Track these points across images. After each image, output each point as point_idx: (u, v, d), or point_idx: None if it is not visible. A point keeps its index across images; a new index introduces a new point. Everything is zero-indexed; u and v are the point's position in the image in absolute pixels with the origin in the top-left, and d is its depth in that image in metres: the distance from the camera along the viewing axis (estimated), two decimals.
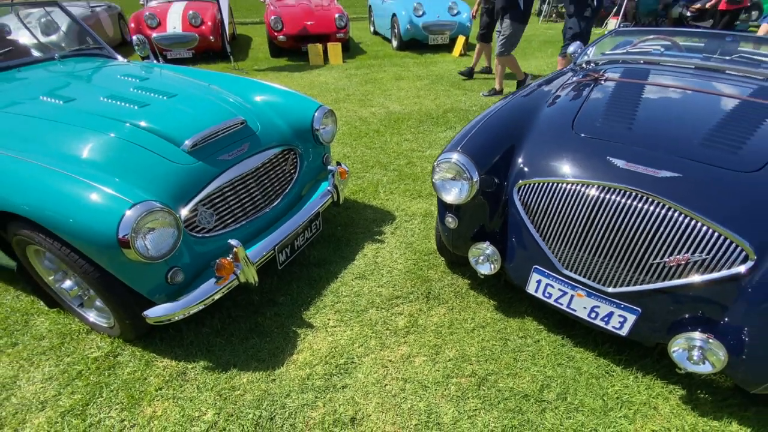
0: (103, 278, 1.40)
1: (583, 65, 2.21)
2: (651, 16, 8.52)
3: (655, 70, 1.98)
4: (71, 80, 2.15)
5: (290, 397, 1.41)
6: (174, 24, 6.09)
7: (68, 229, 1.29)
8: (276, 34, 6.16)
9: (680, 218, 1.19)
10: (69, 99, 1.83)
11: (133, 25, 6.15)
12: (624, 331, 1.35)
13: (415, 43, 6.69)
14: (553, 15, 10.62)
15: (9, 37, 2.71)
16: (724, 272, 1.15)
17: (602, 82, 1.86)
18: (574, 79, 1.97)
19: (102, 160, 1.46)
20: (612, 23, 8.13)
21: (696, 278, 1.19)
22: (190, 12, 6.15)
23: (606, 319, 1.37)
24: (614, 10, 8.41)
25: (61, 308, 1.77)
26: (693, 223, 1.17)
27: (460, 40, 6.46)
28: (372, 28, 8.63)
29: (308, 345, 1.61)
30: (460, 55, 6.43)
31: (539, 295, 1.50)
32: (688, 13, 7.58)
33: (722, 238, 1.15)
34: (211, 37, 6.05)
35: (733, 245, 1.14)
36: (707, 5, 6.17)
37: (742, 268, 1.13)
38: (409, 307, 1.77)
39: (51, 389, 1.46)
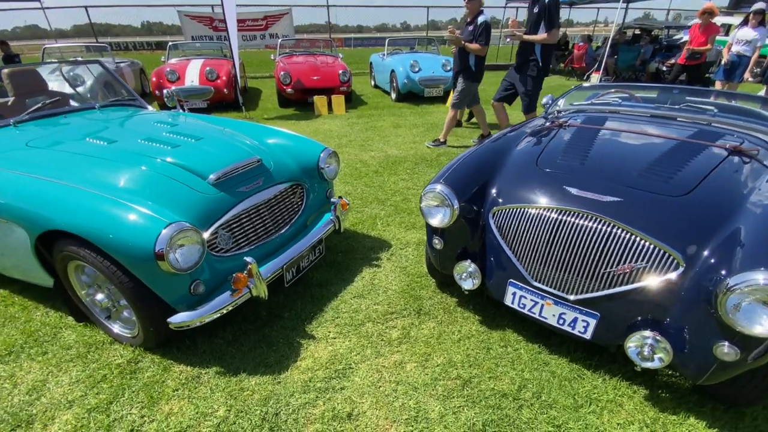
0: (136, 288, 1.62)
1: (552, 114, 2.58)
2: (630, 71, 9.34)
3: (612, 118, 2.33)
4: (111, 125, 2.50)
5: (294, 396, 1.57)
6: (192, 78, 6.74)
7: (113, 244, 1.54)
8: (284, 87, 6.79)
9: (622, 234, 1.44)
10: (111, 140, 2.16)
11: (154, 79, 6.80)
12: (588, 335, 1.54)
13: (412, 95, 7.34)
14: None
15: (56, 89, 3.14)
16: (661, 278, 1.38)
17: (565, 127, 2.20)
18: (542, 125, 2.32)
19: (142, 189, 1.74)
20: (594, 77, 8.90)
21: (639, 284, 1.41)
22: (207, 68, 6.83)
23: (572, 324, 1.57)
24: (596, 65, 9.25)
25: (88, 322, 1.97)
26: (633, 237, 1.43)
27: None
28: (373, 82, 9.43)
29: (310, 353, 1.78)
30: None
31: (515, 306, 1.71)
32: (664, 68, 8.33)
33: (657, 249, 1.39)
34: (225, 90, 6.66)
35: (666, 255, 1.38)
36: (669, 63, 6.86)
37: (674, 275, 1.36)
38: (402, 321, 1.96)
39: (78, 390, 1.63)
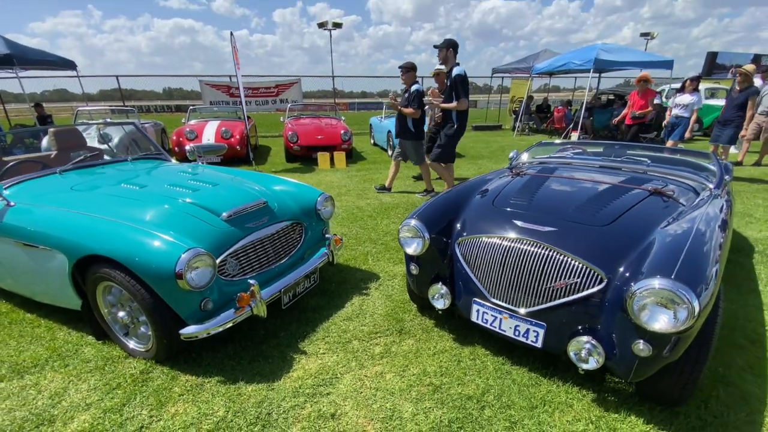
0: (155, 303, 1.91)
1: (515, 166, 3.02)
2: (605, 130, 10.15)
3: (562, 168, 2.76)
4: (142, 174, 2.95)
5: (285, 400, 1.79)
6: (208, 137, 7.47)
7: (141, 266, 1.86)
8: (291, 145, 7.48)
9: (557, 256, 1.76)
10: (142, 186, 2.58)
11: (175, 137, 7.54)
12: (539, 344, 1.80)
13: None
14: (526, 130, 12.54)
15: (95, 145, 3.66)
16: (589, 291, 1.68)
17: (521, 175, 2.62)
18: (503, 174, 2.75)
19: (166, 222, 2.10)
20: (573, 136, 9.70)
21: (574, 297, 1.71)
22: (223, 128, 7.59)
23: (525, 335, 1.83)
24: (572, 124, 10.11)
25: (107, 339, 2.22)
26: (565, 259, 1.75)
27: None
28: (372, 141, 10.26)
29: (301, 366, 2.01)
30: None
31: (479, 321, 1.97)
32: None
33: (585, 267, 1.70)
34: (238, 147, 7.35)
35: (592, 272, 1.69)
36: (615, 121, 7.66)
37: (599, 288, 1.66)
38: (385, 339, 2.20)
39: (95, 396, 1.85)
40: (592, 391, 1.80)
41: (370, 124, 10.26)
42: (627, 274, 1.62)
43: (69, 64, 10.79)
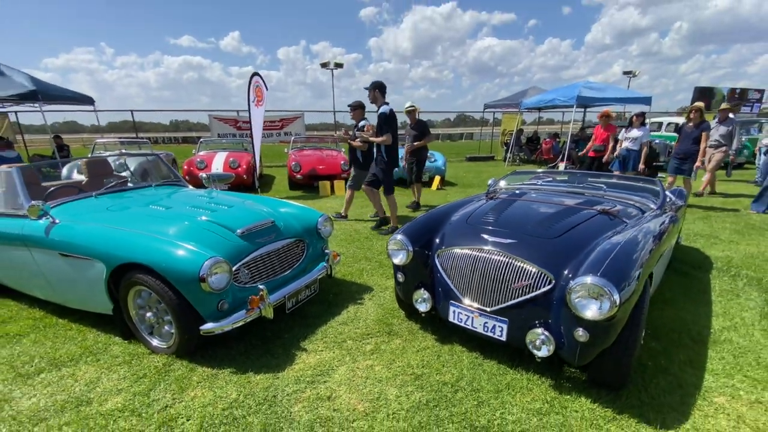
0: (180, 303, 2.26)
1: (492, 191, 3.44)
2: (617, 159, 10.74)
3: (531, 192, 3.18)
4: (165, 197, 3.36)
5: (288, 386, 2.09)
6: (217, 167, 7.98)
7: (171, 271, 2.22)
8: (295, 174, 7.99)
9: (516, 263, 2.13)
10: (168, 207, 2.99)
11: (186, 167, 8.06)
12: (504, 337, 2.13)
13: (401, 180, 8.49)
14: (517, 160, 13.16)
15: (123, 174, 4.10)
16: (541, 290, 2.03)
17: (494, 199, 3.03)
18: (479, 198, 3.16)
19: (190, 235, 2.48)
20: (561, 166, 10.25)
21: (529, 296, 2.06)
22: (231, 159, 8.12)
23: (493, 330, 2.16)
24: (561, 156, 10.70)
25: (132, 339, 2.54)
26: (522, 265, 2.11)
27: (437, 179, 8.27)
28: None
29: (302, 360, 2.33)
30: (437, 188, 8.13)
31: (455, 321, 2.31)
32: (619, 159, 9.66)
33: (538, 271, 2.07)
34: (244, 176, 7.84)
35: (543, 275, 2.05)
36: (581, 153, 8.25)
37: (548, 287, 2.02)
38: (375, 340, 2.52)
39: (124, 383, 2.16)
40: (551, 378, 2.11)
41: None
42: (569, 276, 1.98)
43: (87, 100, 11.55)
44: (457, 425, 1.81)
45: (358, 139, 5.13)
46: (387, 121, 4.71)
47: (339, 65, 14.85)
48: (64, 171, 6.21)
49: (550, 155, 11.64)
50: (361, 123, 5.28)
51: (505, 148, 13.75)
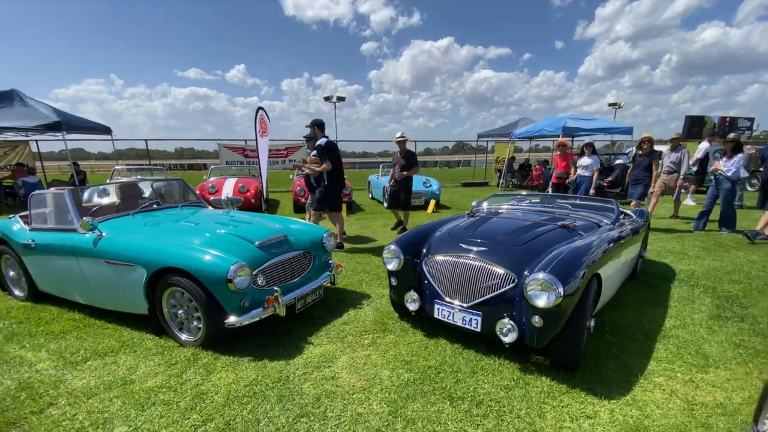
0: (210, 301, 2.70)
1: (475, 210, 3.94)
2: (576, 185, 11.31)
3: (505, 211, 3.67)
4: (192, 215, 3.86)
5: (298, 369, 2.50)
6: (227, 192, 8.54)
7: (203, 273, 2.68)
8: (299, 198, 8.53)
9: (486, 266, 2.59)
10: (196, 223, 3.49)
11: (198, 192, 8.60)
12: (479, 328, 2.55)
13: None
14: (510, 186, 13.76)
15: (147, 196, 4.61)
16: (506, 288, 2.48)
17: (474, 216, 3.52)
18: (463, 216, 3.66)
19: (219, 246, 2.95)
20: (550, 190, 10.81)
21: (497, 292, 2.50)
22: (240, 184, 8.70)
23: (470, 322, 2.58)
24: (549, 181, 11.29)
25: (163, 335, 2.96)
26: (491, 267, 2.57)
27: (432, 202, 8.80)
28: (370, 195, 11.39)
29: (309, 351, 2.74)
30: (432, 211, 8.64)
31: (440, 317, 2.73)
32: (605, 184, 10.23)
33: (504, 272, 2.52)
34: (252, 200, 8.39)
35: (508, 275, 2.50)
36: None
37: (512, 285, 2.47)
38: (372, 335, 2.94)
39: (160, 368, 2.56)
40: (519, 363, 2.52)
41: (369, 181, 11.47)
42: (528, 275, 2.43)
43: (106, 130, 12.32)
44: (438, 396, 2.22)
45: (307, 168, 5.66)
46: (325, 151, 5.36)
47: (341, 99, 15.81)
48: (86, 195, 6.77)
49: (541, 181, 12.25)
50: (312, 153, 5.80)
51: (498, 174, 14.40)
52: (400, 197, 6.59)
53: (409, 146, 6.82)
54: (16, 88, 11.26)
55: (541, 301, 2.22)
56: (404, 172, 6.43)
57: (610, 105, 17.86)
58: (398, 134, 6.57)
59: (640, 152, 6.58)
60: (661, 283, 4.09)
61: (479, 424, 2.00)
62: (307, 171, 5.67)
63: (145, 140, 13.70)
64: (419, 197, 8.99)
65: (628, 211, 4.22)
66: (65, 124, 10.53)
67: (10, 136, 12.28)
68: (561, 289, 2.17)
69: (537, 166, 13.10)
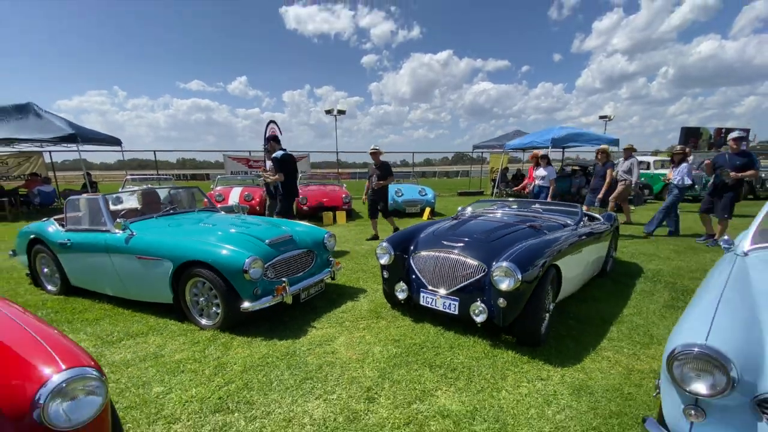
0: (228, 290, 3.16)
1: (460, 214, 4.42)
2: (568, 195, 11.82)
3: (485, 214, 4.16)
4: (208, 218, 4.34)
5: (303, 346, 2.95)
6: (234, 200, 9.04)
7: (223, 265, 3.15)
8: (302, 206, 9.02)
9: (463, 259, 3.06)
10: (213, 224, 3.97)
11: (206, 199, 9.10)
12: (456, 311, 3.00)
13: (397, 211, 9.53)
14: (504, 195, 14.27)
15: (170, 202, 5.10)
16: (478, 276, 2.94)
17: (458, 218, 4.00)
18: (448, 219, 4.14)
19: (235, 242, 3.42)
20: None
21: (471, 281, 2.96)
22: (246, 193, 9.21)
23: (449, 306, 3.04)
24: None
25: (185, 320, 3.41)
26: (466, 260, 3.04)
27: (427, 210, 9.29)
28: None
29: (312, 333, 3.19)
30: (428, 218, 9.12)
31: (425, 303, 3.19)
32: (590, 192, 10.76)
33: (477, 263, 2.99)
34: (257, 207, 8.88)
35: (480, 265, 2.96)
36: (516, 188, 9.37)
37: (483, 274, 2.94)
38: (367, 321, 3.39)
39: (184, 346, 3.01)
40: (490, 341, 2.97)
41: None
42: (495, 265, 2.90)
43: (116, 141, 12.89)
44: (420, 365, 2.66)
45: (267, 177, 6.20)
46: (280, 163, 5.92)
47: (342, 112, 16.44)
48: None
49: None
50: (267, 165, 6.31)
51: (492, 183, 14.92)
52: (378, 207, 6.83)
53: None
54: (32, 102, 11.85)
55: (504, 285, 2.68)
56: (381, 182, 6.69)
57: (601, 117, 18.55)
58: (372, 147, 6.86)
59: (599, 163, 7.17)
60: (628, 280, 4.55)
61: (452, 384, 2.45)
62: (268, 180, 6.23)
63: (154, 151, 14.28)
64: (415, 205, 9.49)
65: (597, 215, 4.70)
66: (80, 136, 11.10)
67: (25, 147, 12.84)
68: (520, 276, 2.64)
69: (528, 177, 13.65)
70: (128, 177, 10.86)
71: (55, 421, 1.31)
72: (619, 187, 7.59)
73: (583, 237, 3.58)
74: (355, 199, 10.77)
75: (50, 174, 14.00)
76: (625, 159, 7.67)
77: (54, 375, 1.36)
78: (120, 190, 9.42)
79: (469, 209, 4.63)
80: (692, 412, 1.54)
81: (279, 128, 8.26)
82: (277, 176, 5.87)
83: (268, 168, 6.32)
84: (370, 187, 7.04)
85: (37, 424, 1.29)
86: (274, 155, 6.00)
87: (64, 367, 1.39)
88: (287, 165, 5.98)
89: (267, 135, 7.88)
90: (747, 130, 27.67)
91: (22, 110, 11.54)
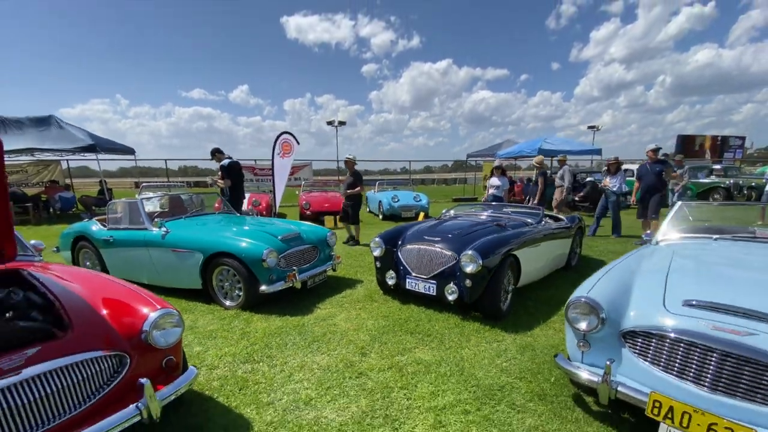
0: (249, 276, 3.87)
1: (445, 214, 5.15)
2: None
3: (464, 214, 4.89)
4: (228, 219, 5.07)
5: (310, 321, 3.66)
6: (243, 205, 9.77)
7: (245, 255, 3.87)
8: (305, 210, 9.77)
9: (439, 249, 3.78)
10: (235, 223, 4.70)
11: (217, 205, 9.86)
12: (434, 292, 3.71)
13: (393, 216, 10.26)
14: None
15: (192, 205, 5.85)
16: (451, 264, 3.66)
17: (440, 219, 4.73)
18: (433, 219, 4.87)
19: (254, 237, 4.14)
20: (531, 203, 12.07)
21: (444, 267, 3.68)
22: (254, 199, 9.96)
23: (428, 288, 3.74)
24: (529, 196, 12.57)
25: (212, 302, 4.13)
26: (442, 251, 3.76)
27: (422, 214, 10.02)
28: (368, 209, 12.62)
29: (317, 312, 3.90)
30: None
31: (410, 287, 3.90)
32: (576, 199, 11.49)
33: (450, 254, 3.70)
34: (264, 212, 9.62)
35: (452, 255, 3.68)
36: (579, 195, 10.11)
37: (454, 262, 3.65)
38: (362, 303, 4.10)
39: (213, 320, 3.72)
40: (461, 316, 3.68)
41: (366, 196, 12.73)
42: (463, 253, 3.62)
43: (130, 151, 13.69)
44: (403, 333, 3.37)
45: (218, 183, 6.99)
46: (226, 171, 6.74)
47: (342, 123, 17.28)
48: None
49: (522, 196, 13.51)
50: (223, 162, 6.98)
51: (485, 189, 15.67)
52: (349, 212, 7.26)
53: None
54: (54, 114, 12.69)
55: (469, 269, 3.40)
56: (348, 191, 7.10)
57: (590, 128, 19.34)
58: (347, 156, 7.30)
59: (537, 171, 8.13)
60: (590, 272, 5.23)
61: (427, 344, 3.15)
62: (218, 185, 7.03)
63: (165, 160, 15.07)
64: (411, 210, 10.23)
65: (562, 216, 5.43)
66: (99, 146, 11.92)
67: (44, 156, 13.65)
68: (481, 261, 3.36)
69: (518, 183, 14.40)
70: (144, 184, 11.61)
71: (156, 342, 2.03)
72: (556, 194, 8.42)
73: (542, 233, 4.30)
74: None
75: (67, 181, 14.80)
76: (560, 167, 8.54)
77: (151, 313, 2.09)
78: (137, 196, 10.17)
79: (451, 212, 5.36)
80: (581, 344, 2.25)
81: (295, 139, 9.00)
82: (225, 181, 6.75)
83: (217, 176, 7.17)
84: (341, 196, 7.43)
85: (144, 343, 2.01)
86: (221, 163, 6.86)
87: (158, 308, 2.12)
88: (233, 171, 6.84)
89: (276, 150, 8.63)
90: (743, 138, 28.46)
91: (44, 122, 12.37)
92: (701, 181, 15.13)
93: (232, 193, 6.84)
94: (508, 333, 3.36)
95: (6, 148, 10.63)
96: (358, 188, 7.19)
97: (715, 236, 3.12)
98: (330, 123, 17.27)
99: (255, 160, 14.84)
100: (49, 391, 1.67)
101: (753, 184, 15.05)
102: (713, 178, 14.80)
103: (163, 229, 4.40)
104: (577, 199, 11.33)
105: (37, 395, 1.63)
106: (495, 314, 3.58)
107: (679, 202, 3.61)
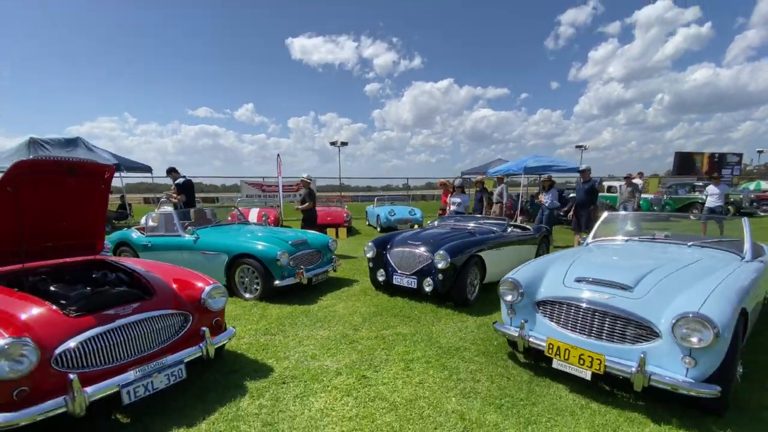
0: (265, 272, 4.79)
1: (429, 225, 6.07)
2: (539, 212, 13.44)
3: (445, 224, 5.81)
4: (245, 227, 6.03)
5: (314, 308, 4.55)
6: (253, 219, 10.75)
7: (262, 255, 4.80)
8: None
9: (420, 251, 4.69)
10: (253, 231, 5.65)
11: (229, 218, 10.84)
12: (415, 285, 4.60)
13: (390, 228, 11.18)
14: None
15: (213, 216, 6.81)
16: (428, 262, 4.55)
17: (424, 228, 5.65)
18: (418, 228, 5.79)
19: (270, 241, 5.08)
20: (519, 219, 12.94)
21: (423, 265, 4.58)
22: (263, 213, 10.94)
23: (411, 283, 4.63)
24: (518, 210, 13.48)
25: (233, 295, 5.03)
26: (422, 251, 4.66)
27: (416, 226, 10.94)
28: (367, 222, 13.58)
29: (320, 303, 4.79)
30: None
31: (396, 282, 4.78)
32: (561, 213, 12.39)
33: (428, 254, 4.60)
34: (272, 225, 10.58)
35: (430, 255, 4.58)
36: (563, 209, 10.98)
37: (430, 260, 4.55)
38: (358, 296, 4.99)
39: (236, 309, 4.61)
40: (437, 304, 4.56)
41: (366, 211, 13.74)
42: (436, 253, 4.52)
43: (147, 169, 14.80)
44: (389, 316, 4.25)
45: (173, 198, 7.99)
46: (182, 188, 7.87)
47: (344, 143, 18.44)
48: (142, 220, 9.05)
49: (511, 211, 14.41)
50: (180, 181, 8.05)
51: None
52: (308, 226, 7.38)
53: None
54: (80, 136, 13.86)
55: (440, 265, 4.30)
56: (300, 207, 7.65)
57: (578, 147, 20.40)
58: (305, 175, 7.67)
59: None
60: None
61: (406, 324, 4.03)
62: (173, 200, 8.01)
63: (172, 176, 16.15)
64: (405, 223, 11.16)
65: (528, 226, 6.34)
66: (123, 165, 13.03)
67: None
68: (449, 259, 4.26)
69: (510, 199, 15.35)
70: (162, 199, 12.65)
71: (210, 306, 2.95)
72: (495, 209, 9.37)
73: (506, 239, 5.21)
74: (357, 219, 12.48)
75: None
76: (498, 185, 9.63)
77: (206, 286, 3.01)
78: (157, 210, 11.18)
79: (435, 222, 6.29)
80: (510, 312, 3.14)
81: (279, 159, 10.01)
82: (179, 197, 7.83)
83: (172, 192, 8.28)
84: (297, 210, 7.93)
85: (202, 306, 2.93)
86: (176, 181, 8.00)
87: (210, 283, 3.05)
88: (186, 188, 7.96)
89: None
90: (740, 155, 29.29)
91: (72, 144, 13.50)
92: (680, 196, 16.04)
93: (185, 207, 7.70)
94: (472, 316, 4.23)
95: None
96: (307, 204, 7.46)
97: (626, 238, 4.02)
98: (333, 143, 18.43)
99: (263, 178, 15.91)
100: (146, 330, 2.58)
101: (731, 200, 15.94)
102: (696, 194, 15.71)
103: (195, 235, 5.35)
104: (561, 213, 12.21)
105: (138, 332, 2.54)
106: (463, 302, 4.46)
107: (606, 213, 4.51)
